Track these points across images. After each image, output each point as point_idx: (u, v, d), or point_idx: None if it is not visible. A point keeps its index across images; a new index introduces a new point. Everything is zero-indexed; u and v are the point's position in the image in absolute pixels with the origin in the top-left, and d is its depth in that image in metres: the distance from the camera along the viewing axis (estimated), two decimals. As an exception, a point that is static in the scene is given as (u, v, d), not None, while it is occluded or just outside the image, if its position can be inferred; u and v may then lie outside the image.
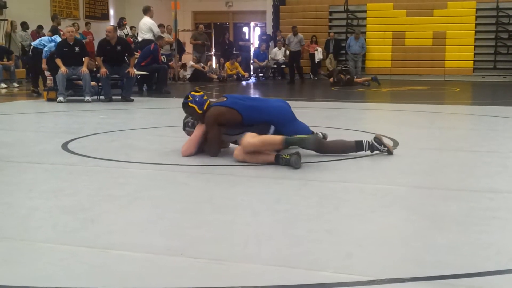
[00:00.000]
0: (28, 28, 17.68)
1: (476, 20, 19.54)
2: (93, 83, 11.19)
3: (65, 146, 5.76)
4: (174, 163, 4.96)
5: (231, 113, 5.11)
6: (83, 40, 15.26)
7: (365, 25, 20.40)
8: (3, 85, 15.04)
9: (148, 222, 3.28)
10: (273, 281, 2.43)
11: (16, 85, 15.64)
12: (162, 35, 15.39)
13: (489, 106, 10.61)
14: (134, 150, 5.69)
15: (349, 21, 20.76)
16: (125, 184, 4.23)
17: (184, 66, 18.41)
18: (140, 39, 14.92)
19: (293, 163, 4.63)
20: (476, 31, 19.48)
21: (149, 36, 14.38)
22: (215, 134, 5.15)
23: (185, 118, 5.54)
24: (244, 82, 18.66)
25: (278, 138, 4.81)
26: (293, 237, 2.99)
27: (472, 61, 19.37)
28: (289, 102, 5.50)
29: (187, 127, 5.52)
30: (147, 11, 14.71)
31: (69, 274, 2.53)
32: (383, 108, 10.98)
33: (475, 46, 19.42)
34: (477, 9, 19.52)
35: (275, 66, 20.21)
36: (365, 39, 19.57)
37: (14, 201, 3.80)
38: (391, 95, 14.34)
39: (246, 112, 5.10)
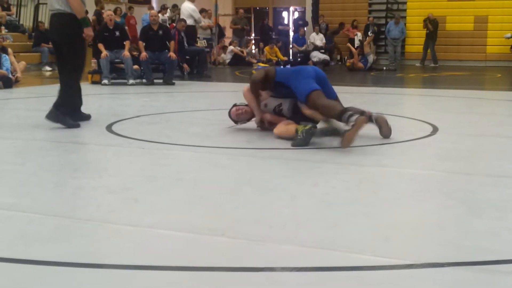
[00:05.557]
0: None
1: (519, 4, 19.11)
2: (136, 66, 11.36)
3: (109, 128, 5.89)
4: (215, 146, 5.04)
5: (270, 70, 5.51)
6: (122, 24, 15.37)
7: (405, 10, 20.13)
8: (48, 68, 15.33)
9: (189, 203, 3.36)
10: (311, 263, 2.47)
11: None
12: (203, 20, 15.43)
13: (532, 92, 10.43)
14: (175, 132, 5.78)
15: (389, 5, 20.52)
16: (167, 165, 4.32)
17: (224, 48, 18.47)
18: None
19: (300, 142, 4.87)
20: (519, 16, 19.05)
21: (190, 22, 14.43)
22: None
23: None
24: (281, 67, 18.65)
25: (293, 129, 5.04)
26: (331, 220, 3.03)
27: (515, 46, 18.97)
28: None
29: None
30: None
31: (113, 251, 2.62)
32: (422, 94, 10.87)
33: (518, 31, 19.01)
34: (521, -7, 19.09)
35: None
36: (405, 24, 19.31)
37: (60, 180, 3.92)
38: (431, 80, 14.17)
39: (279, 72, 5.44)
